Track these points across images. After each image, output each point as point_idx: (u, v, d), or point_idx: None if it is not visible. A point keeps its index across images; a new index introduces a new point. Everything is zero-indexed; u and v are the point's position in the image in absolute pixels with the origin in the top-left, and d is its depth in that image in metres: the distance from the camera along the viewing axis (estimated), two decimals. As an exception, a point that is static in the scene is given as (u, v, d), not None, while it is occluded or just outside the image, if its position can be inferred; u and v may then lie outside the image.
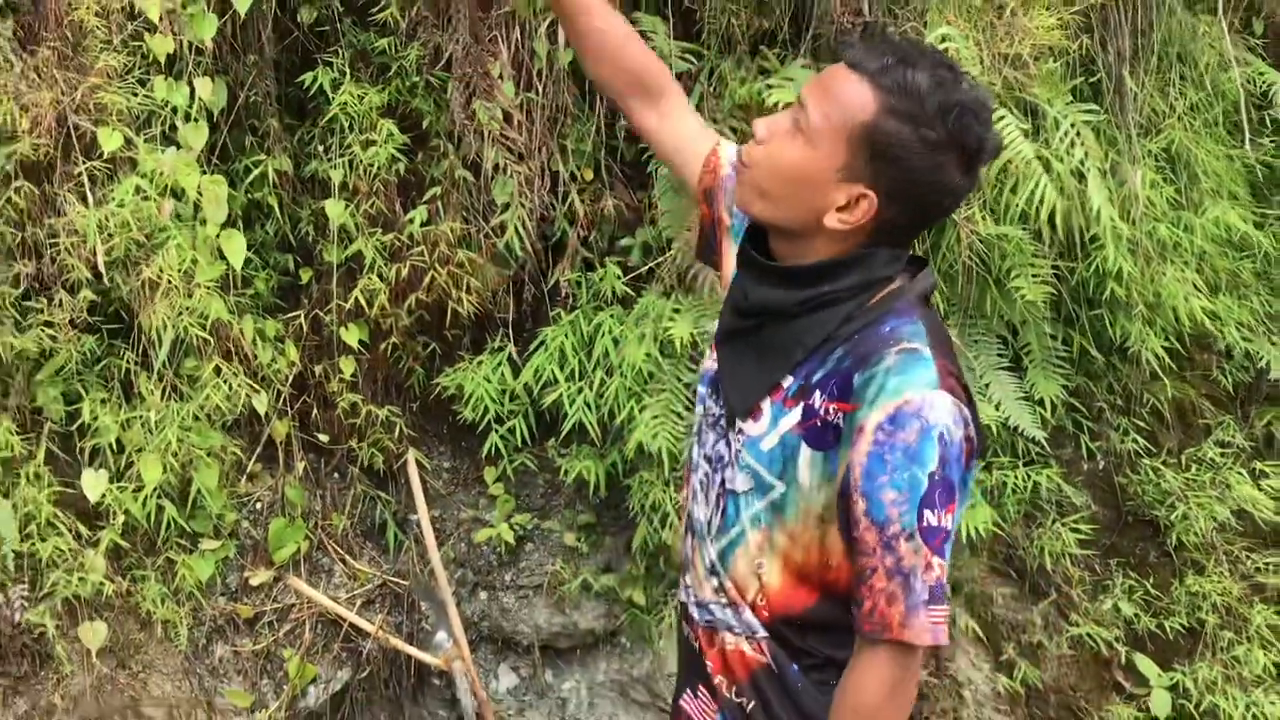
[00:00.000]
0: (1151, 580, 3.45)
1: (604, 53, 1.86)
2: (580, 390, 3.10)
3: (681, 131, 1.86)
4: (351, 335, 3.10)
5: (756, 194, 1.56)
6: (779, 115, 1.57)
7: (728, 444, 1.65)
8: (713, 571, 1.68)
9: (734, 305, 1.67)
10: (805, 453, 1.53)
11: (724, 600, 1.66)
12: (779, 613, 1.61)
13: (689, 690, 1.75)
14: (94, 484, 2.70)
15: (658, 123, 1.86)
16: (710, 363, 1.74)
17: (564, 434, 3.15)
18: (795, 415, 1.54)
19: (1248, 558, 3.49)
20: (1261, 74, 3.35)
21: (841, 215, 1.51)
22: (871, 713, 1.49)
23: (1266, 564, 3.49)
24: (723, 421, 1.67)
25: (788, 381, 1.57)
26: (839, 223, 1.51)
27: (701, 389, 1.74)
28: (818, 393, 1.52)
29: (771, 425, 1.57)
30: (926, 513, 1.44)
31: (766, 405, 1.59)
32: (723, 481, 1.66)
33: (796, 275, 1.56)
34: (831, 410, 1.51)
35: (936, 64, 1.49)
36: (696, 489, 1.73)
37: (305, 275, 3.17)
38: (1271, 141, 3.47)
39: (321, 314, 3.12)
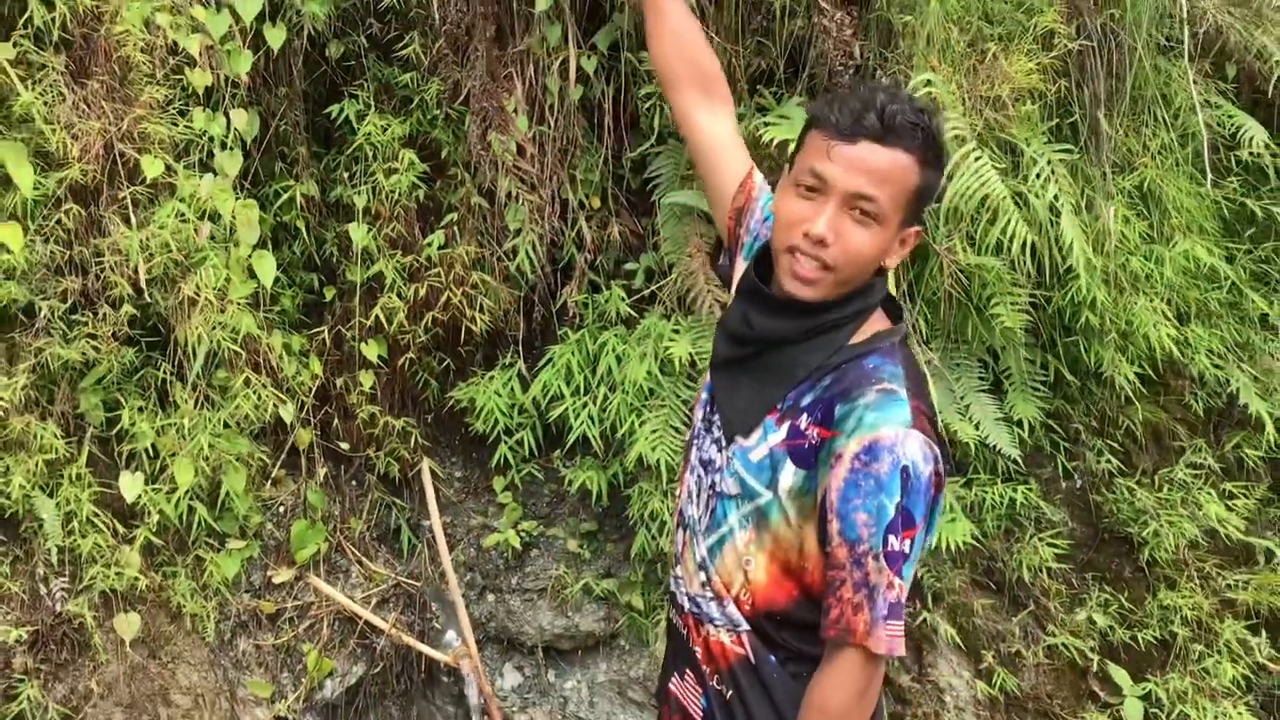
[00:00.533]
0: (1126, 594, 3.60)
1: (681, 42, 2.04)
2: (585, 405, 3.27)
3: (727, 139, 2.01)
4: (371, 350, 3.28)
5: (838, 285, 1.68)
6: (829, 211, 1.64)
7: (720, 450, 1.81)
8: (701, 566, 1.84)
9: (733, 334, 1.80)
10: (789, 467, 1.69)
11: (710, 594, 1.83)
12: (761, 607, 1.76)
13: (676, 674, 1.91)
14: (131, 485, 2.86)
15: (709, 120, 2.01)
16: (709, 386, 1.90)
17: (569, 446, 3.32)
18: (782, 433, 1.70)
19: (1218, 574, 3.64)
20: (1231, 116, 3.53)
21: (899, 253, 1.72)
22: (839, 713, 1.65)
23: (1236, 581, 3.64)
24: (715, 429, 1.85)
25: (781, 401, 1.73)
26: (895, 260, 1.72)
27: (704, 395, 1.89)
28: (805, 415, 1.69)
29: (762, 439, 1.73)
30: (891, 538, 1.61)
31: (758, 428, 1.75)
32: (713, 484, 1.82)
33: (806, 306, 1.70)
34: (815, 435, 1.67)
35: (917, 102, 1.68)
36: (691, 488, 1.89)
37: (329, 293, 3.35)
38: (1240, 179, 3.64)
39: (344, 330, 3.30)
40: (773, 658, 1.77)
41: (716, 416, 1.83)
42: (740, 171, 1.98)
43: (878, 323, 1.75)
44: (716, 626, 1.82)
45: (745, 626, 1.79)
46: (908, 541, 1.61)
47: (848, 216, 1.63)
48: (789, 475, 1.69)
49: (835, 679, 1.65)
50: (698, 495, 1.86)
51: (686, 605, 1.88)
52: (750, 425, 1.74)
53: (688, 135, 2.06)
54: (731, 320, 1.82)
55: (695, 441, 1.89)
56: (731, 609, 1.80)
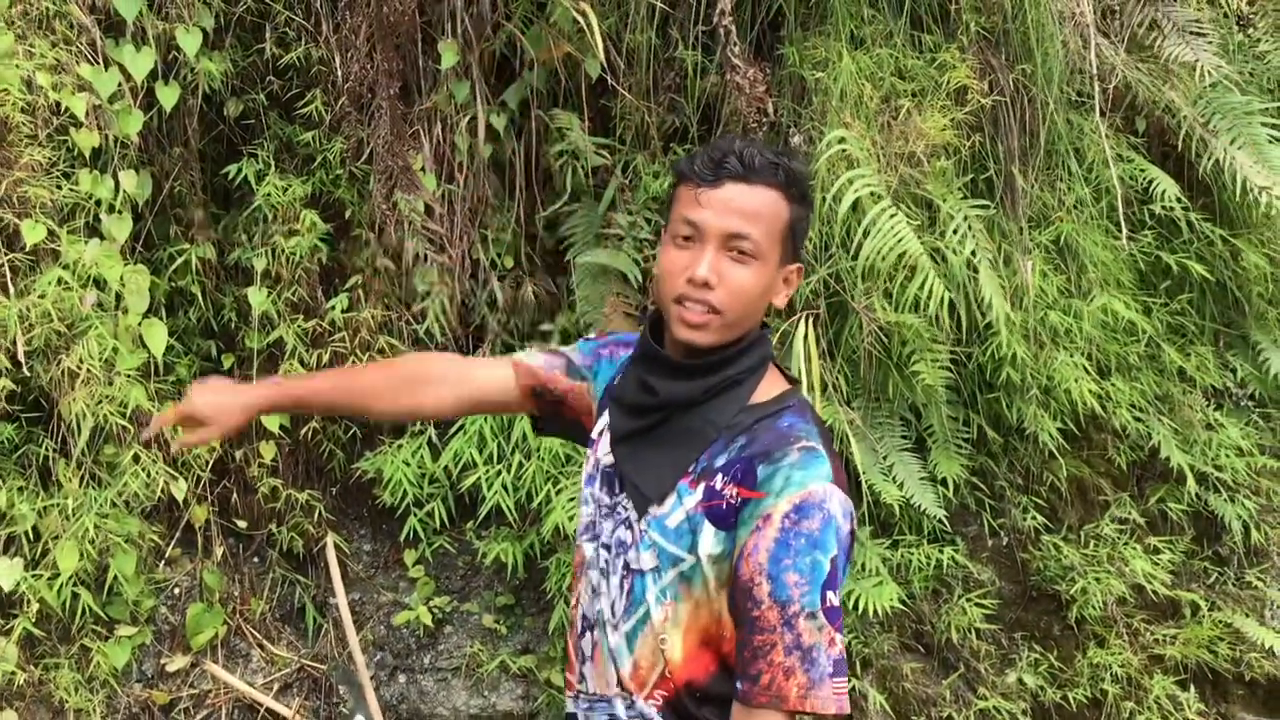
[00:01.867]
0: (1055, 653, 3.55)
1: (399, 409, 2.05)
2: (499, 473, 3.15)
3: (477, 382, 2.01)
4: (272, 420, 3.13)
5: (728, 329, 1.67)
6: (709, 255, 1.64)
7: (629, 527, 1.73)
8: (614, 660, 1.74)
9: (634, 405, 1.76)
10: (708, 529, 1.64)
11: (622, 690, 1.73)
12: (681, 684, 1.67)
13: None
14: (8, 572, 2.70)
15: (454, 395, 1.99)
16: (595, 462, 1.82)
17: (482, 517, 3.20)
18: (698, 495, 1.65)
19: (1146, 630, 3.62)
20: (1143, 170, 3.56)
21: (785, 292, 1.72)
22: None
23: (1163, 635, 3.61)
24: (622, 509, 1.76)
25: (693, 465, 1.67)
26: (783, 299, 1.72)
27: (588, 489, 1.82)
28: (720, 475, 1.64)
29: (677, 504, 1.67)
30: (829, 594, 1.55)
31: (672, 493, 1.68)
32: (626, 564, 1.73)
33: (704, 366, 1.68)
34: (733, 494, 1.62)
35: (775, 147, 1.75)
36: (596, 581, 1.79)
37: (227, 361, 3.21)
38: (1154, 233, 3.67)
39: (243, 399, 3.16)
40: None
41: (622, 496, 1.76)
42: (511, 378, 1.99)
43: (776, 380, 1.74)
44: None
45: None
46: (838, 596, 1.58)
47: (726, 257, 1.65)
48: (709, 539, 1.64)
49: None
50: (607, 582, 1.77)
51: (594, 716, 1.77)
52: (664, 492, 1.69)
53: (456, 415, 2.14)
54: (629, 392, 1.78)
55: (593, 530, 1.82)
56: (642, 705, 1.70)
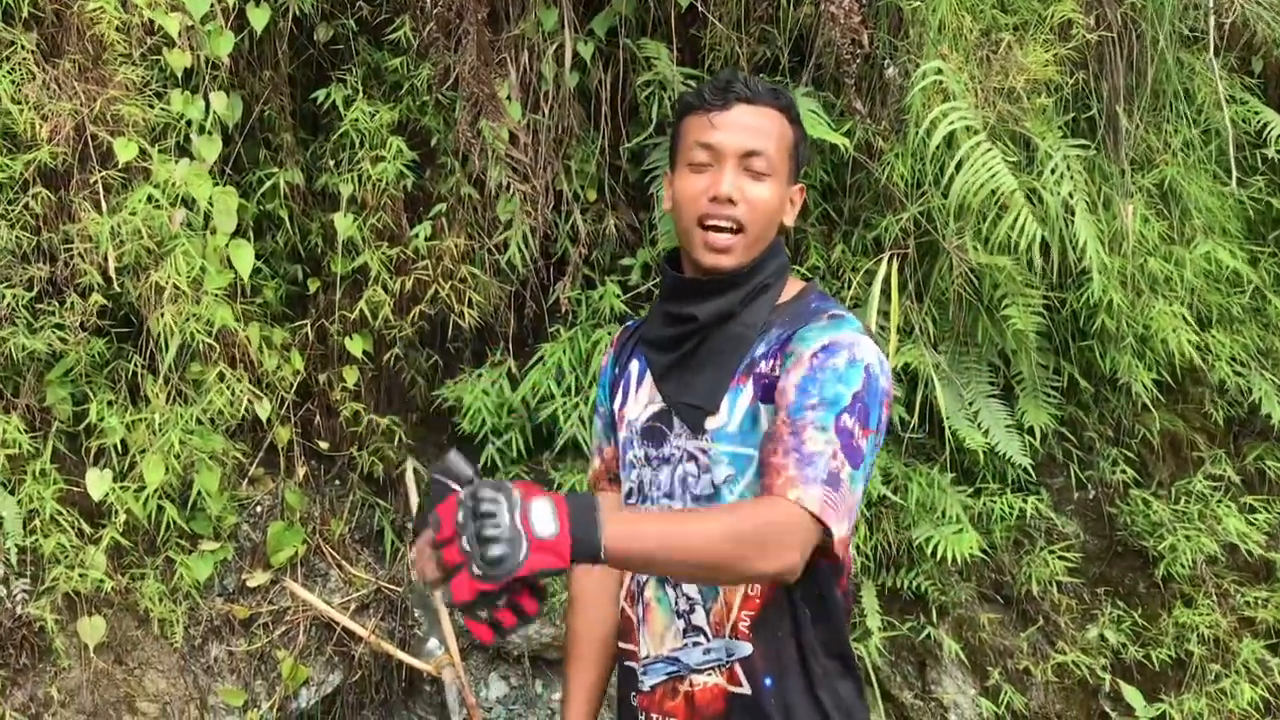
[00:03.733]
0: (1140, 611, 3.47)
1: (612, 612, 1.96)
2: (575, 405, 3.15)
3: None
4: (356, 345, 3.16)
5: (751, 248, 1.74)
6: (728, 173, 1.70)
7: (690, 458, 1.74)
8: (700, 601, 1.74)
9: (671, 336, 1.80)
10: (761, 410, 1.69)
11: (703, 628, 1.73)
12: (771, 584, 1.68)
13: None
14: (98, 483, 2.76)
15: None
16: (629, 426, 1.84)
17: (558, 448, 3.20)
18: (748, 390, 1.71)
19: (1237, 591, 3.52)
20: (1256, 113, 3.40)
21: (792, 212, 1.81)
22: (737, 528, 1.50)
23: (1255, 598, 3.51)
24: (677, 448, 1.76)
25: (739, 366, 1.74)
26: (791, 217, 1.81)
27: (627, 456, 1.84)
28: (763, 361, 1.71)
29: (732, 407, 1.71)
30: (845, 417, 1.60)
31: (725, 397, 1.73)
32: (694, 498, 1.75)
33: (736, 279, 1.74)
34: (775, 366, 1.69)
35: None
36: None
37: (313, 285, 3.23)
38: (1266, 179, 3.51)
39: (327, 324, 3.18)
40: (769, 680, 1.69)
41: (674, 433, 1.78)
42: (612, 495, 1.96)
43: (797, 282, 1.83)
44: (703, 674, 1.73)
45: (742, 652, 1.71)
46: (864, 437, 1.62)
47: (744, 175, 1.72)
48: (764, 415, 1.70)
49: (757, 507, 1.57)
50: None
51: (659, 676, 1.77)
52: (717, 398, 1.74)
53: None
54: (662, 330, 1.83)
55: (642, 493, 1.83)
56: (728, 640, 1.72)
